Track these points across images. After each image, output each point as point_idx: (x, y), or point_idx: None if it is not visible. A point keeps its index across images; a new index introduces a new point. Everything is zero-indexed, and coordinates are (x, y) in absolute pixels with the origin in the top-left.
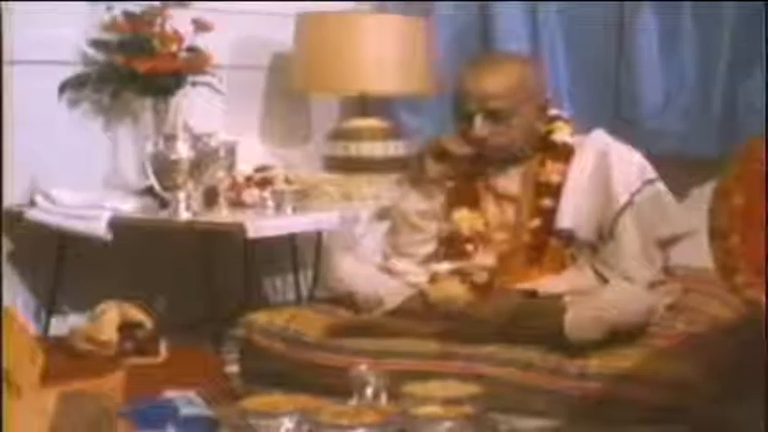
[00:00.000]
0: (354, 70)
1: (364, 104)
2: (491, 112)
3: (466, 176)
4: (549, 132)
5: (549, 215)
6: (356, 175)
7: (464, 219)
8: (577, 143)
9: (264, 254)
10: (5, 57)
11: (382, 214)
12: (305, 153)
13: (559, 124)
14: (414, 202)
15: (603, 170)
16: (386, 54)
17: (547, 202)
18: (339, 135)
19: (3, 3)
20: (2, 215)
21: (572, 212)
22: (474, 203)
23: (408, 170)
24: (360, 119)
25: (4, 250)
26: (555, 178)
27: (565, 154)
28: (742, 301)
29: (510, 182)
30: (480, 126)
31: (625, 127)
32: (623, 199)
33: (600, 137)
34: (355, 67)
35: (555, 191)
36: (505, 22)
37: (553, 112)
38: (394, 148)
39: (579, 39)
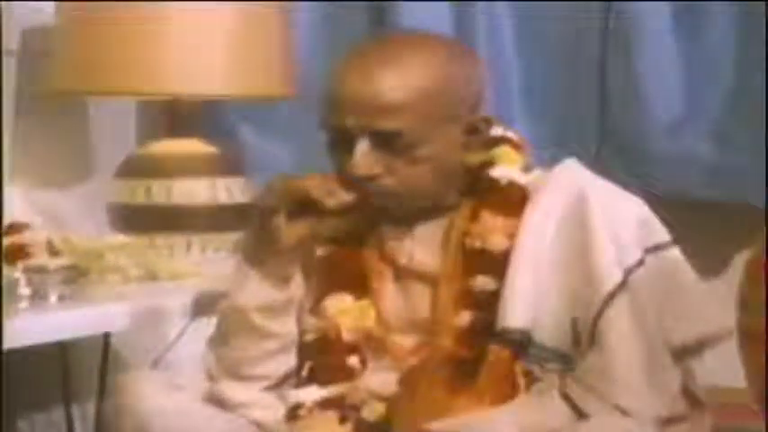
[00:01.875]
0: (160, 59)
1: (177, 116)
2: (382, 135)
3: (346, 241)
4: (487, 165)
5: (488, 305)
6: (166, 237)
7: (344, 312)
8: (535, 183)
9: (15, 376)
10: None
11: (208, 305)
12: (81, 199)
13: (505, 151)
14: (254, 290)
15: (578, 229)
16: (211, 39)
17: (484, 282)
18: (137, 168)
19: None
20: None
21: (526, 301)
22: (360, 286)
23: (249, 231)
24: (170, 140)
25: None
26: (497, 242)
27: (514, 201)
28: None
29: (421, 248)
30: (363, 158)
31: (615, 155)
32: (613, 279)
33: (572, 172)
34: (161, 54)
35: (497, 264)
36: (418, 9)
37: (496, 131)
38: (226, 191)
39: (538, 22)
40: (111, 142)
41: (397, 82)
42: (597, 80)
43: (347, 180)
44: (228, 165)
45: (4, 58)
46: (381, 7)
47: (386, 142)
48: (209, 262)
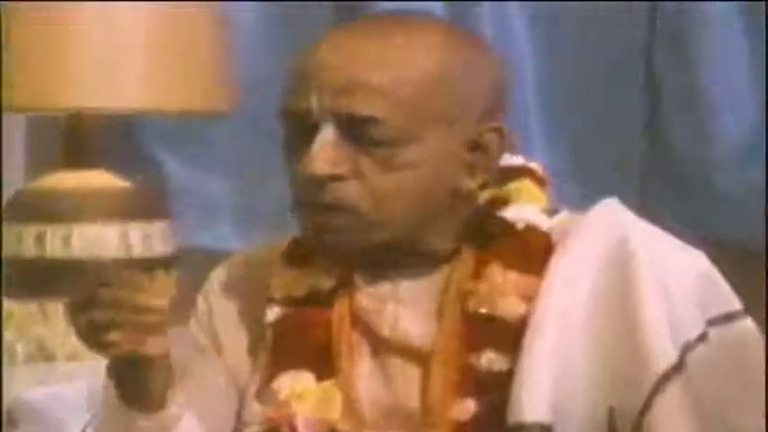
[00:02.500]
0: (55, 66)
1: (78, 140)
2: (352, 122)
3: (306, 299)
4: (499, 203)
5: (498, 391)
6: (63, 303)
7: (302, 397)
8: (562, 229)
9: None
10: None
11: None
12: None
13: (524, 186)
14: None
15: (620, 290)
16: (122, 41)
17: (492, 360)
18: (25, 209)
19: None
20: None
21: (548, 386)
22: (324, 362)
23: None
24: (70, 172)
25: None
26: (511, 307)
27: (533, 251)
28: None
29: (408, 313)
30: (325, 150)
31: (664, 190)
32: (666, 358)
33: (611, 215)
34: (57, 60)
35: (510, 336)
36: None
37: (514, 159)
38: (143, 240)
39: (560, 23)
40: None
41: (379, 58)
42: (641, 93)
43: (298, 184)
44: (147, 205)
45: None
46: (352, 7)
47: (357, 134)
48: None
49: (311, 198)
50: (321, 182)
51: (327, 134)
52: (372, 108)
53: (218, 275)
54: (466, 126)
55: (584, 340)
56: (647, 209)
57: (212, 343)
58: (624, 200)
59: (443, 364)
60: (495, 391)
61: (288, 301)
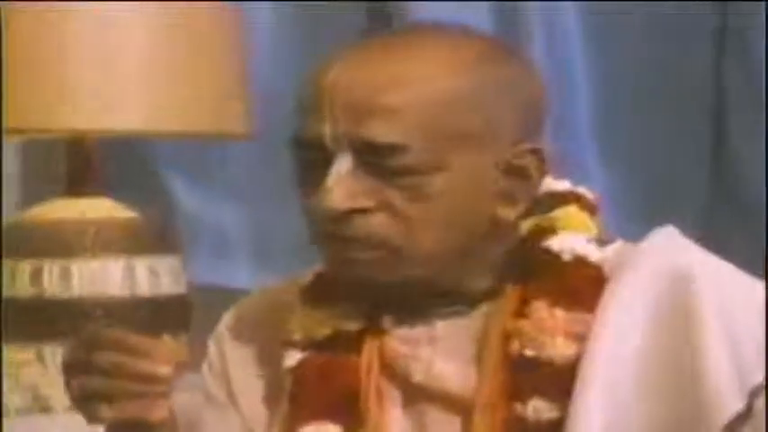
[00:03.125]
0: (52, 82)
1: (79, 164)
2: (372, 151)
3: (330, 343)
4: (544, 233)
5: None
6: (62, 347)
7: None
8: (615, 261)
9: None
10: None
11: None
12: None
13: (571, 213)
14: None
15: (680, 330)
16: (127, 55)
17: (540, 409)
18: (20, 242)
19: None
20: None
21: None
22: (351, 412)
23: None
24: (69, 200)
25: None
26: (559, 349)
27: (583, 287)
28: None
29: (445, 357)
30: (342, 182)
31: (733, 217)
32: (731, 405)
33: (670, 246)
34: (55, 75)
35: (559, 381)
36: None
37: (560, 184)
38: (150, 276)
39: (618, 26)
40: None
41: (398, 76)
42: (708, 114)
43: (313, 218)
44: (154, 237)
45: None
46: (382, 9)
47: (378, 163)
48: None
49: (332, 232)
50: (341, 216)
51: (344, 164)
52: (392, 134)
53: (231, 317)
54: (499, 148)
55: (637, 388)
56: (712, 239)
57: (226, 392)
58: (687, 229)
59: (487, 414)
60: None
61: (309, 344)
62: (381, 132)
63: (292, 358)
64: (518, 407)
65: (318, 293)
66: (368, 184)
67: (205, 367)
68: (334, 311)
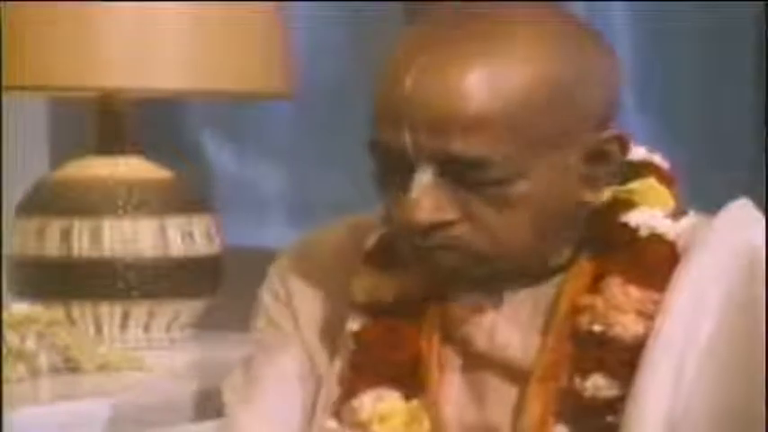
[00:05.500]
0: (85, 39)
1: (111, 123)
2: (457, 164)
3: (395, 308)
4: (620, 206)
5: (601, 420)
6: (91, 306)
7: (386, 418)
8: (688, 236)
9: None
10: None
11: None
12: None
13: (649, 186)
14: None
15: (748, 317)
16: (164, 16)
17: (600, 385)
18: (49, 201)
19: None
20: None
21: (662, 420)
22: (411, 378)
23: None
24: (100, 158)
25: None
26: (628, 326)
27: (657, 264)
28: None
29: (508, 326)
30: (426, 195)
31: None
32: None
33: (743, 223)
34: (87, 33)
35: (625, 359)
36: None
37: (636, 152)
38: (184, 238)
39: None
40: (14, 161)
41: (480, 83)
42: (753, 89)
43: (395, 226)
44: (188, 197)
45: None
46: None
47: (460, 174)
48: (156, 346)
49: (417, 242)
50: (425, 229)
51: (425, 177)
52: (477, 147)
53: (295, 254)
54: (584, 139)
55: (703, 375)
56: (758, 191)
57: (293, 323)
58: (730, 182)
59: (542, 383)
60: (597, 421)
61: (374, 308)
62: (465, 146)
63: (356, 322)
64: (577, 381)
65: (383, 257)
66: (451, 195)
67: (267, 296)
68: (400, 277)
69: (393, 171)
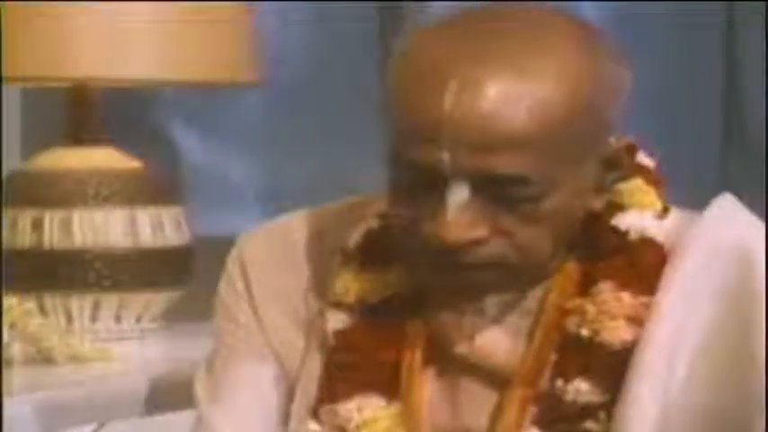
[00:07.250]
0: (57, 31)
1: (82, 113)
2: (495, 181)
3: (380, 307)
4: (614, 210)
5: (574, 426)
6: (62, 297)
7: (367, 425)
8: (674, 237)
9: None
10: None
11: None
12: None
13: (638, 187)
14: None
15: (736, 318)
16: (135, 6)
17: (581, 391)
18: (20, 192)
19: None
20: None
21: (660, 421)
22: (393, 383)
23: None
24: (71, 149)
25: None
26: (618, 332)
27: (645, 269)
28: None
29: (491, 330)
30: (462, 213)
31: (746, 165)
32: None
33: (728, 222)
34: (59, 24)
35: (612, 366)
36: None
37: (641, 158)
38: (153, 228)
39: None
40: None
41: (519, 101)
42: (720, 57)
43: (420, 240)
44: (158, 187)
45: None
46: None
47: (497, 192)
48: (127, 337)
49: (445, 260)
50: (458, 248)
51: (462, 194)
52: (519, 166)
53: (254, 243)
54: (603, 147)
55: (691, 378)
56: (726, 182)
57: (251, 310)
58: (703, 173)
59: (523, 388)
60: (572, 424)
61: (356, 307)
62: (507, 165)
63: (338, 321)
64: (559, 384)
65: (368, 256)
66: (484, 212)
67: (225, 287)
68: (386, 276)
69: (422, 186)
